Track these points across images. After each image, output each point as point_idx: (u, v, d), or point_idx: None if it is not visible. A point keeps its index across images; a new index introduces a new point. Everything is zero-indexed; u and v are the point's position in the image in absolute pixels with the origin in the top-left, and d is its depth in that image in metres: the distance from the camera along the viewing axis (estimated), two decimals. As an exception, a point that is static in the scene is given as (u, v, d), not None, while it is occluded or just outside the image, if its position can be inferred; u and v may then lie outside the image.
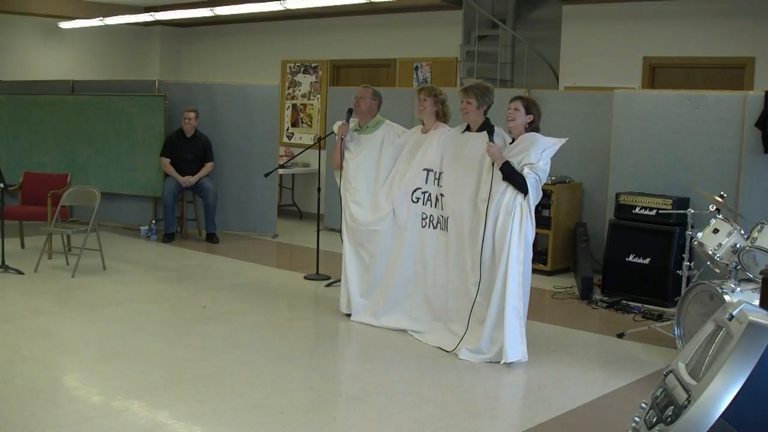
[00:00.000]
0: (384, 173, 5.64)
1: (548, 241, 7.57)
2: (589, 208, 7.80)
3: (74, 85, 9.78)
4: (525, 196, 4.81)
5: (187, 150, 8.61)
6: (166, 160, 8.64)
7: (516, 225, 4.81)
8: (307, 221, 10.41)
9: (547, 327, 5.78)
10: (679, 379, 2.57)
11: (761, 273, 3.42)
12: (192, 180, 8.56)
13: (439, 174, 5.32)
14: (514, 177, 4.82)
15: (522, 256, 4.83)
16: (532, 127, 4.95)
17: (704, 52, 7.86)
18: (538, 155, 4.81)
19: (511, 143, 5.02)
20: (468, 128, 5.26)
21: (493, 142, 4.93)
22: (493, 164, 4.93)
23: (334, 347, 5.49)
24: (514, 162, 4.84)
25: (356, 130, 5.83)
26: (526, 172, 4.79)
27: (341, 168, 5.78)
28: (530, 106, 4.95)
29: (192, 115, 8.58)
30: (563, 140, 4.96)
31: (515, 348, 4.82)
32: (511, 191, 4.84)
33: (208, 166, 8.70)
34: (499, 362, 4.80)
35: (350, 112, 5.84)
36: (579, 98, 7.92)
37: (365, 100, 5.80)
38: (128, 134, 9.09)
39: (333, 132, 6.13)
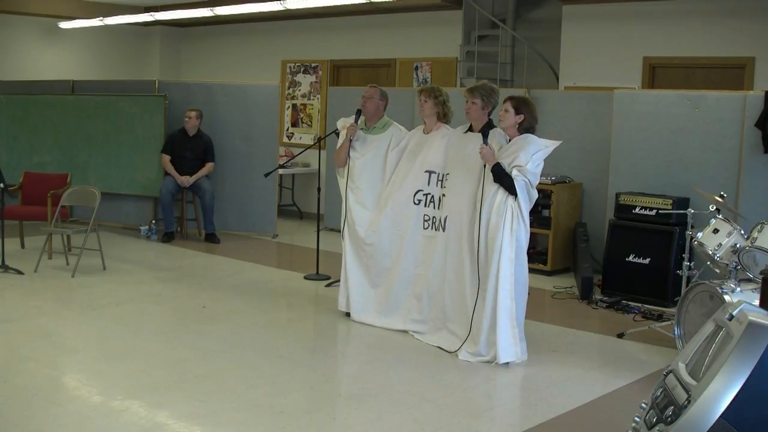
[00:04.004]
0: (388, 176, 5.63)
1: (548, 241, 7.57)
2: (589, 208, 7.80)
3: (74, 85, 9.78)
4: (515, 198, 4.81)
5: (187, 148, 8.61)
6: (167, 157, 8.64)
7: (507, 226, 4.81)
8: (307, 221, 10.41)
9: (547, 327, 5.78)
10: (679, 379, 2.57)
11: (761, 273, 3.42)
12: (189, 180, 8.56)
13: (443, 175, 5.32)
14: (504, 179, 4.82)
15: (513, 256, 4.83)
16: (524, 126, 4.94)
17: (704, 52, 7.85)
18: (527, 157, 4.80)
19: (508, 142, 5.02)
20: (471, 128, 5.26)
21: (487, 143, 4.92)
22: (485, 165, 4.94)
23: (334, 347, 5.49)
24: (505, 164, 4.85)
25: (362, 129, 5.79)
26: (514, 174, 4.79)
27: (346, 166, 5.76)
28: (520, 106, 4.94)
29: (193, 114, 8.59)
30: (557, 143, 4.95)
31: (507, 349, 4.82)
32: (502, 192, 4.85)
33: (209, 167, 8.70)
34: (498, 363, 4.80)
35: (359, 112, 5.77)
36: (579, 98, 7.92)
37: (373, 101, 5.74)
38: (128, 134, 9.10)
39: (334, 131, 6.13)
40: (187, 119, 8.58)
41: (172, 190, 8.58)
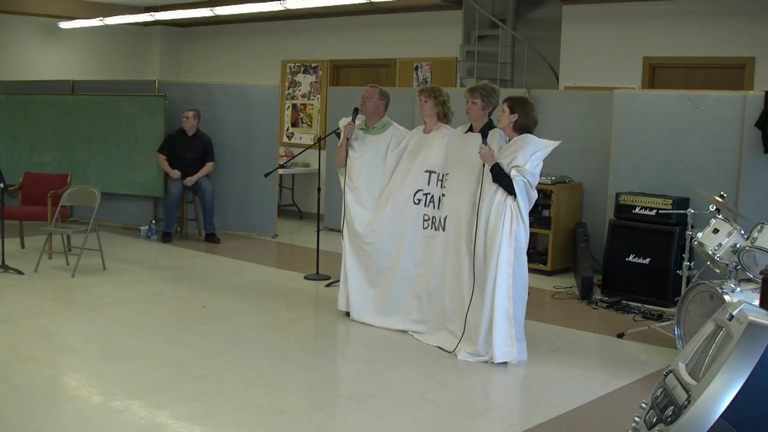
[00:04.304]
0: (388, 176, 5.63)
1: (548, 241, 7.57)
2: (589, 208, 7.80)
3: (74, 85, 9.78)
4: (515, 198, 4.81)
5: (187, 148, 8.62)
6: (162, 157, 8.66)
7: (506, 226, 4.81)
8: (307, 221, 10.41)
9: (547, 327, 5.78)
10: (679, 379, 2.56)
11: (761, 273, 3.42)
12: (191, 179, 8.57)
13: (443, 175, 5.32)
14: (502, 179, 4.83)
15: (512, 256, 4.82)
16: (518, 126, 4.94)
17: (704, 52, 7.85)
18: (526, 158, 4.80)
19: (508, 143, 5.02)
20: (471, 129, 5.26)
21: (486, 143, 4.93)
22: (484, 165, 4.94)
23: (334, 347, 5.49)
24: (504, 164, 4.85)
25: (362, 128, 5.80)
26: (513, 174, 4.79)
27: (345, 166, 5.76)
28: (514, 105, 4.95)
29: (190, 114, 8.59)
30: (555, 143, 4.96)
31: (504, 349, 4.82)
32: (501, 192, 4.85)
33: (208, 166, 8.71)
34: (495, 363, 4.81)
35: (356, 111, 5.79)
36: (579, 98, 7.92)
37: (372, 100, 5.73)
38: (128, 134, 9.10)
39: (334, 131, 6.13)
40: (184, 119, 8.59)
41: (181, 192, 8.59)
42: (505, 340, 4.83)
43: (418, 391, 4.36)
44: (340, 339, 5.60)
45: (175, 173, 8.55)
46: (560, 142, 5.04)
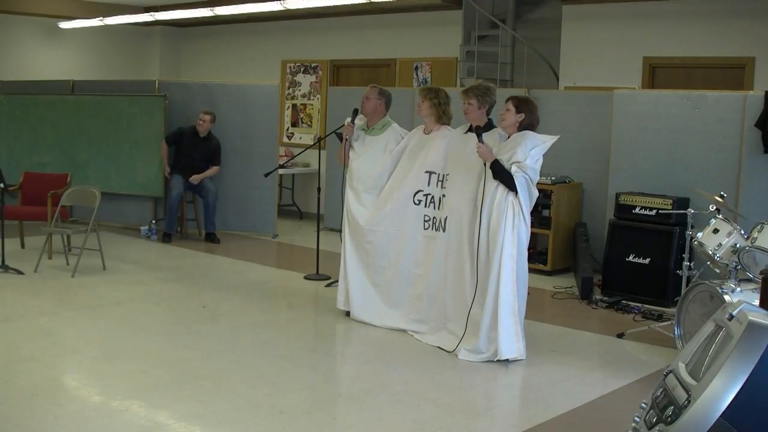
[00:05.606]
0: (386, 176, 5.63)
1: (548, 241, 7.57)
2: (589, 208, 7.80)
3: (74, 85, 9.79)
4: (516, 194, 4.81)
5: (197, 149, 8.63)
6: (166, 146, 8.69)
7: (509, 223, 4.81)
8: (307, 221, 10.42)
9: (547, 327, 5.78)
10: (679, 379, 2.56)
11: (761, 273, 3.41)
12: (198, 178, 8.58)
13: (443, 176, 5.32)
14: (503, 175, 4.83)
15: (515, 253, 4.83)
16: (523, 125, 4.94)
17: (704, 52, 7.86)
18: (525, 153, 4.81)
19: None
20: (471, 129, 5.26)
21: (482, 141, 4.92)
22: (485, 164, 4.95)
23: (334, 347, 5.50)
24: (503, 160, 4.85)
25: (363, 129, 5.81)
26: (514, 170, 4.79)
27: (346, 167, 5.76)
28: (520, 105, 4.95)
29: (207, 117, 8.60)
30: (554, 138, 4.96)
31: (510, 345, 4.82)
32: (502, 189, 4.85)
33: (214, 169, 8.72)
34: (497, 361, 4.80)
35: (356, 111, 5.80)
36: (579, 98, 7.92)
37: (370, 101, 5.73)
38: (128, 134, 9.10)
39: (335, 131, 6.14)
40: (201, 122, 8.58)
41: (181, 192, 8.59)
42: (510, 336, 4.83)
43: (418, 391, 4.36)
44: (340, 339, 5.60)
45: (167, 170, 8.61)
46: (559, 137, 5.04)
